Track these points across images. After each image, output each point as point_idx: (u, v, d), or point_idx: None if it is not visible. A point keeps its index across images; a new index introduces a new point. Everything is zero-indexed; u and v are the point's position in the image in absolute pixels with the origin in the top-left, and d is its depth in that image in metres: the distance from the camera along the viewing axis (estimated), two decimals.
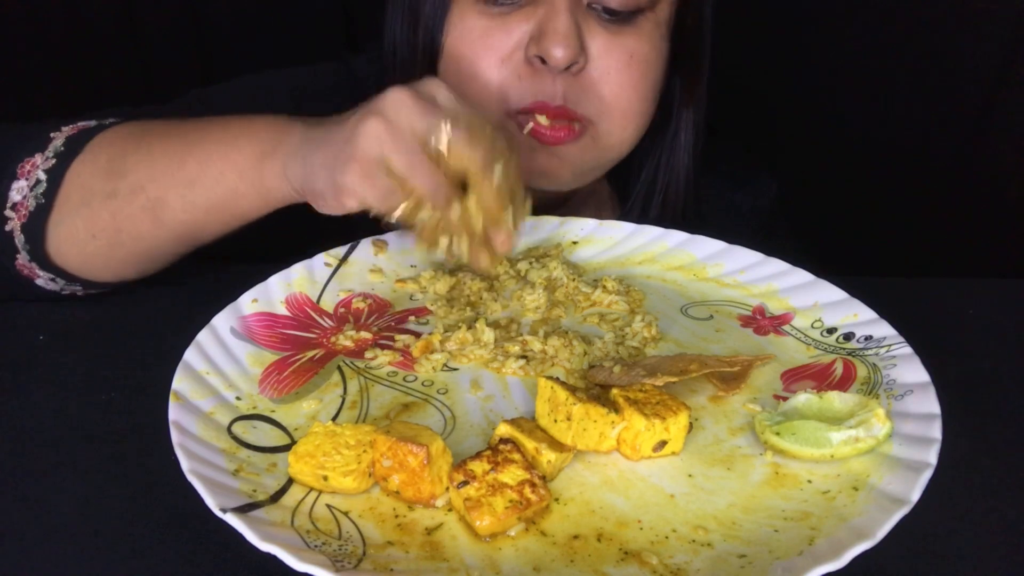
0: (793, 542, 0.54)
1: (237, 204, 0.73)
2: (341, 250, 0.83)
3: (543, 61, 0.79)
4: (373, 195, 0.65)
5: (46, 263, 0.75)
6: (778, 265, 0.83)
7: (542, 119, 0.82)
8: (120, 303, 0.82)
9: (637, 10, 0.82)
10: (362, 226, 0.84)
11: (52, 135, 0.76)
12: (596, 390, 0.67)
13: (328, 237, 0.82)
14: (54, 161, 0.74)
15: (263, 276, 0.77)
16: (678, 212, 0.97)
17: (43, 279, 0.76)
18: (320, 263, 0.81)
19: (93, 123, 0.78)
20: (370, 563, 0.50)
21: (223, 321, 0.71)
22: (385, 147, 0.63)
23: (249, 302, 0.74)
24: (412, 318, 0.77)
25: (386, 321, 0.76)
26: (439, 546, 0.53)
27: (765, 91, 1.42)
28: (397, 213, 0.66)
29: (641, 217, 0.98)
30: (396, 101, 0.64)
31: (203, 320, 0.70)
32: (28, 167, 0.74)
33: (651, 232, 0.88)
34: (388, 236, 0.85)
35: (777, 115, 1.43)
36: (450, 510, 0.55)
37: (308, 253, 0.81)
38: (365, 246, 0.84)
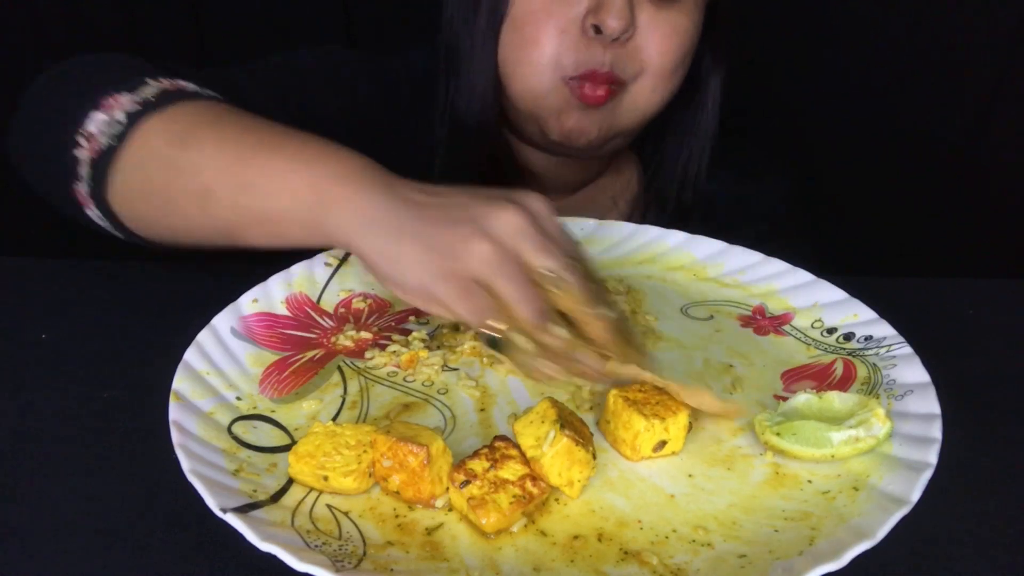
0: (793, 542, 0.54)
1: (285, 227, 0.68)
2: (341, 250, 0.83)
3: (597, 31, 0.86)
4: (466, 311, 0.62)
5: (102, 203, 0.74)
6: (778, 265, 0.83)
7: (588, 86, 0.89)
8: (120, 303, 0.82)
9: None
10: None
11: (148, 81, 0.74)
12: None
13: None
14: (140, 108, 0.72)
15: (263, 276, 0.77)
16: (701, 179, 1.02)
17: (93, 213, 0.75)
18: (320, 263, 0.81)
19: (192, 88, 0.76)
20: (370, 563, 0.50)
21: (223, 321, 0.71)
22: (494, 274, 0.60)
23: (249, 302, 0.74)
24: (412, 318, 0.77)
25: (386, 321, 0.77)
26: (439, 546, 0.53)
27: (764, 90, 1.42)
28: (488, 329, 0.62)
29: (662, 189, 1.04)
30: (512, 227, 0.61)
31: (203, 320, 0.70)
32: (112, 102, 0.72)
33: (651, 232, 0.89)
34: None
35: (775, 115, 1.43)
36: (450, 510, 0.55)
37: (308, 253, 0.81)
38: None
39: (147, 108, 0.72)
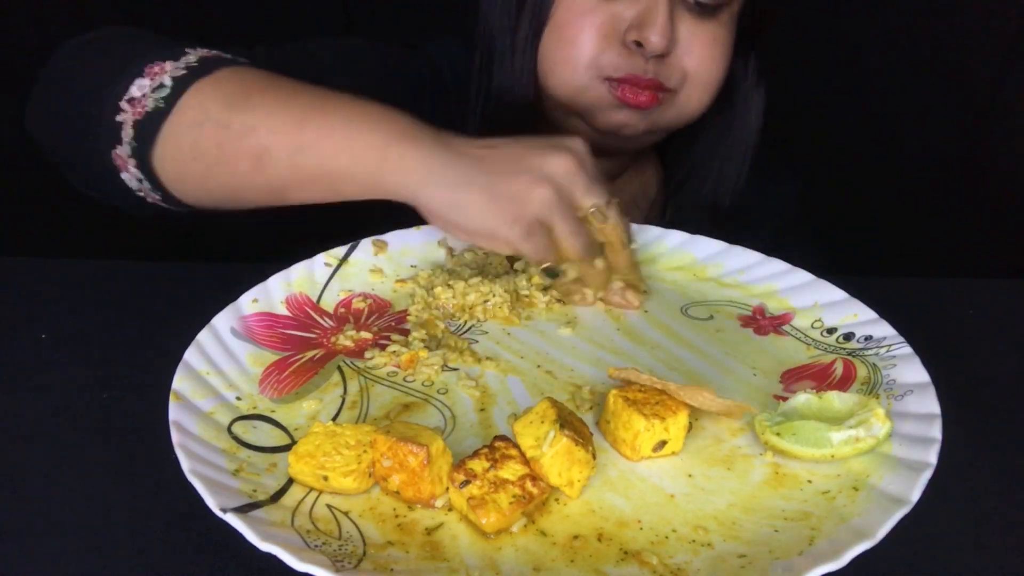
0: (793, 542, 0.54)
1: (342, 184, 0.73)
2: (341, 250, 0.83)
3: (638, 45, 0.88)
4: (529, 250, 0.70)
5: (145, 165, 0.75)
6: (778, 265, 0.83)
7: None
8: (120, 303, 0.82)
9: (722, 4, 0.92)
10: (364, 226, 0.85)
11: (187, 51, 0.77)
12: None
13: (329, 237, 0.83)
14: (184, 72, 0.75)
15: (263, 276, 0.77)
16: (740, 185, 1.04)
17: (131, 176, 0.77)
18: (320, 263, 0.81)
19: (228, 56, 0.80)
20: (370, 563, 0.50)
21: (223, 321, 0.71)
22: (555, 215, 0.70)
23: (249, 302, 0.74)
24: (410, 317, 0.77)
25: (386, 321, 0.77)
26: (439, 546, 0.53)
27: (766, 92, 1.42)
28: (545, 265, 0.74)
29: (695, 194, 1.06)
30: (567, 171, 0.70)
31: (203, 320, 0.70)
32: (156, 70, 0.75)
33: (651, 232, 0.89)
34: (388, 236, 0.85)
35: (777, 116, 1.43)
36: (450, 510, 0.55)
37: (308, 253, 0.81)
38: (365, 246, 0.84)
39: (193, 73, 0.75)
